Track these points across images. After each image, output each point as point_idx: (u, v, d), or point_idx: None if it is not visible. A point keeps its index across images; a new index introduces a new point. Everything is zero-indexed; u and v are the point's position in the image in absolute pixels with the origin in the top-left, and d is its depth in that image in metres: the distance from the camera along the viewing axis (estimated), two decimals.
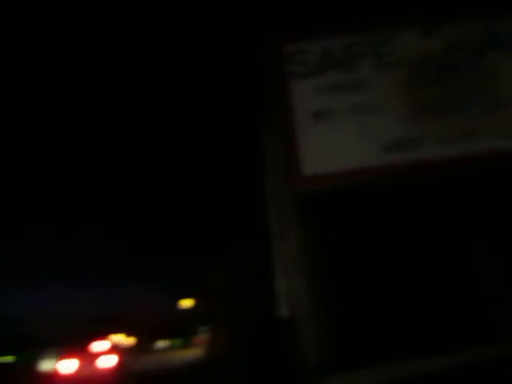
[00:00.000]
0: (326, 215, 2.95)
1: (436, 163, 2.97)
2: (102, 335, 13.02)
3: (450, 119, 3.05)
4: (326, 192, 2.94)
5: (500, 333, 2.73)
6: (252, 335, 2.82)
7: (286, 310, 2.72)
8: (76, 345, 11.58)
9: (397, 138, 3.03)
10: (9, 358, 21.64)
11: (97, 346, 11.70)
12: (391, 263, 2.93)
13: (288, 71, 3.27)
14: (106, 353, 11.29)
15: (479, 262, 2.96)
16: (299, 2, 3.38)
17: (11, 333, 24.47)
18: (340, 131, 3.08)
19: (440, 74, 3.20)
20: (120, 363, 11.25)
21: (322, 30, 3.34)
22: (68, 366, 10.79)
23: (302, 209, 2.90)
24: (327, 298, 2.74)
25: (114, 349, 12.05)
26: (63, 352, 11.29)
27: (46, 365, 14.37)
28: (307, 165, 2.97)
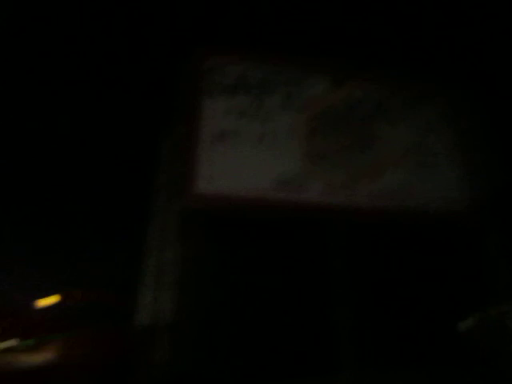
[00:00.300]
0: (207, 233, 3.03)
1: (318, 206, 3.22)
2: None
3: (336, 169, 3.35)
4: (213, 211, 3.03)
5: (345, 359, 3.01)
6: (112, 344, 2.75)
7: (149, 321, 2.71)
8: None
9: (289, 175, 3.24)
10: None
11: None
12: (258, 289, 3.09)
13: (203, 87, 3.33)
14: None
15: (337, 298, 3.24)
16: (228, 22, 3.49)
17: None
18: (240, 157, 3.19)
19: (336, 127, 3.52)
20: None
21: (242, 54, 3.49)
22: None
23: (186, 224, 2.94)
24: (192, 313, 2.79)
25: None
26: None
27: None
28: (202, 182, 3.02)
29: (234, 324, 2.96)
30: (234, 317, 2.99)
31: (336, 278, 3.25)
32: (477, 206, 3.58)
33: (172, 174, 3.04)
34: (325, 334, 3.15)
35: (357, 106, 3.66)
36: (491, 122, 4.16)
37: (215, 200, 3.02)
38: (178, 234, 2.90)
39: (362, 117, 3.63)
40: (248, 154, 3.23)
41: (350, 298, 3.23)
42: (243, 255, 3.12)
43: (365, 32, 3.99)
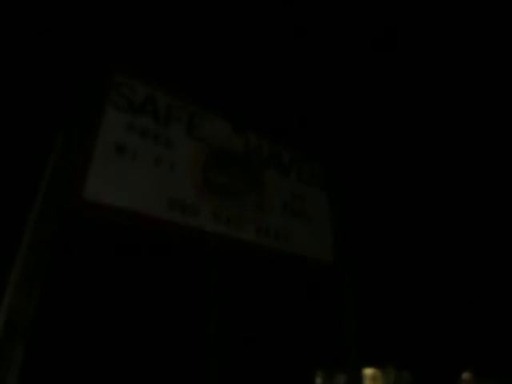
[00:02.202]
0: (86, 244, 2.87)
1: (204, 233, 3.32)
2: None
3: (225, 204, 3.53)
4: (97, 222, 2.90)
5: None
6: None
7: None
8: None
9: (182, 201, 3.30)
10: None
11: None
12: (127, 310, 2.98)
13: (110, 98, 3.30)
14: None
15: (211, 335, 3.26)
16: (145, 40, 3.61)
17: None
18: (134, 174, 3.15)
19: (231, 166, 3.78)
20: None
21: (152, 77, 3.59)
22: None
23: (65, 231, 2.74)
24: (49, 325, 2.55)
25: None
26: None
27: None
28: (91, 191, 2.89)
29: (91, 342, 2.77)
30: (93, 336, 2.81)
31: (210, 309, 3.31)
32: (340, 259, 4.08)
33: (59, 179, 2.84)
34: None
35: (252, 152, 3.99)
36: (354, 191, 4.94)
37: (102, 210, 2.90)
38: (53, 240, 2.67)
39: (255, 162, 3.96)
40: (143, 173, 3.22)
41: (221, 331, 3.30)
42: (120, 271, 3.01)
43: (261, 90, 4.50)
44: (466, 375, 8.92)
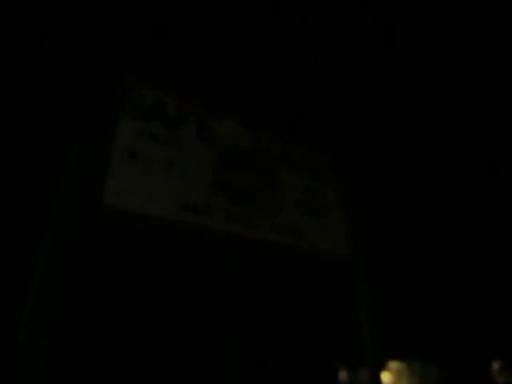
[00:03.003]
0: (106, 248, 2.97)
1: (220, 234, 3.38)
2: None
3: (238, 203, 3.59)
4: (116, 226, 3.00)
5: None
6: None
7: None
8: None
9: (195, 202, 3.37)
10: None
11: None
12: (149, 313, 3.07)
13: (121, 106, 3.39)
14: None
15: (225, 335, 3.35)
16: (153, 45, 3.70)
17: None
18: (148, 178, 3.25)
19: (242, 164, 3.83)
20: None
21: (161, 82, 3.67)
22: None
23: (85, 236, 2.85)
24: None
25: None
26: None
27: None
28: (109, 197, 2.98)
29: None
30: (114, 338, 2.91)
31: (228, 308, 3.38)
32: (356, 253, 4.09)
33: (76, 186, 2.95)
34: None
35: (264, 151, 4.03)
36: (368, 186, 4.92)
37: (120, 216, 2.99)
38: (75, 246, 2.78)
39: (267, 160, 4.00)
40: (158, 176, 3.31)
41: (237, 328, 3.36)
42: (138, 274, 3.11)
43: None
44: (495, 365, 8.73)
